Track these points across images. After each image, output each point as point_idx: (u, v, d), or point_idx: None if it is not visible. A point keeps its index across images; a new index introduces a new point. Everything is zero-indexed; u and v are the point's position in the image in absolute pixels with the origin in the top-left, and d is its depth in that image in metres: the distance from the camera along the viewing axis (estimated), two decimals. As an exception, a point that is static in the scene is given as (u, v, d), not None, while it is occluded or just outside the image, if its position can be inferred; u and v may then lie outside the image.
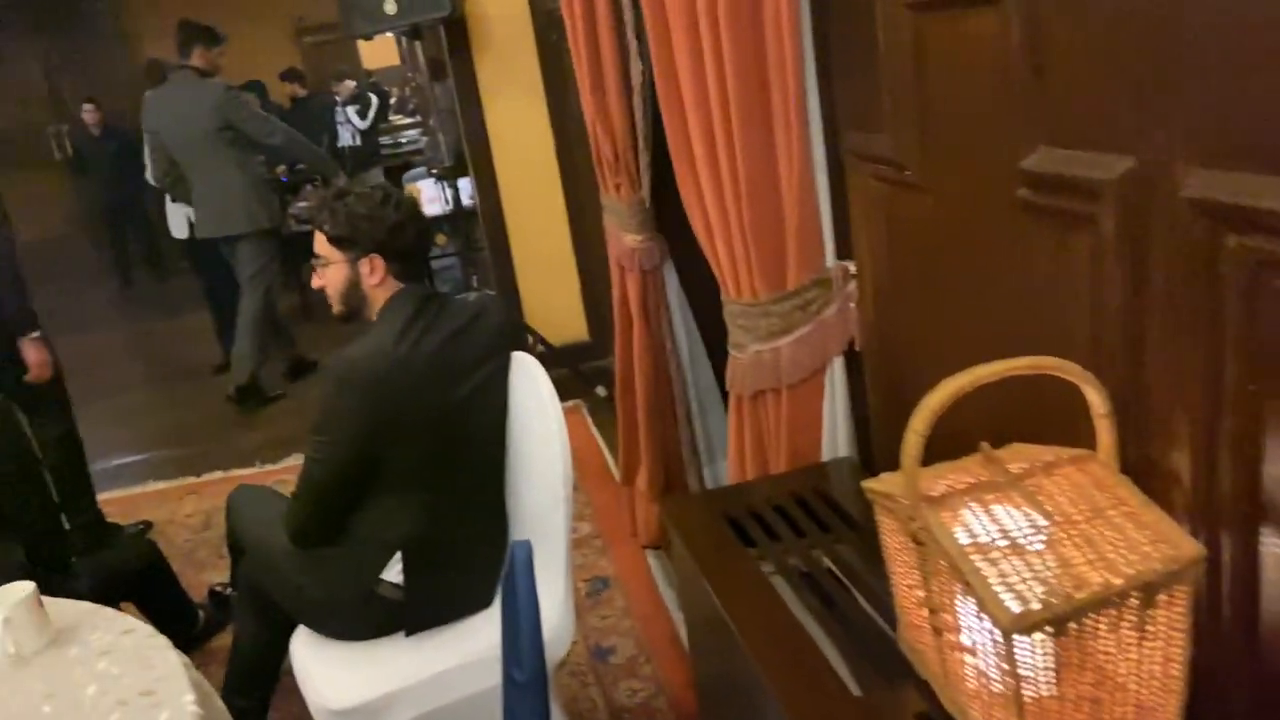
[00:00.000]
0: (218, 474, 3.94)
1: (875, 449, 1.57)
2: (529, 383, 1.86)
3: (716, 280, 1.74)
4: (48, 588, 1.96)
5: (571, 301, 4.11)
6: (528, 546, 1.25)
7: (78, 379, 5.81)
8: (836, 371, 1.56)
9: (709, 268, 1.75)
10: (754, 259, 1.54)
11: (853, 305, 1.52)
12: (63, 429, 3.09)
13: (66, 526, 2.23)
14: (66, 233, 8.99)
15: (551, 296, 4.09)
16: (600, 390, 3.98)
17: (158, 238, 8.58)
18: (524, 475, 1.85)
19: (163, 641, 1.34)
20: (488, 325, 1.88)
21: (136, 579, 2.27)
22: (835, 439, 1.58)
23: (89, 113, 8.10)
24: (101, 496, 3.84)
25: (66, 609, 1.46)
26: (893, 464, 0.95)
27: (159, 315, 7.52)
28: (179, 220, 4.98)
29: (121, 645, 1.34)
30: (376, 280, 1.81)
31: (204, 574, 3.08)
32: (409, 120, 8.75)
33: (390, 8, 3.22)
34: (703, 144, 1.59)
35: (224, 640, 2.61)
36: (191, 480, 3.93)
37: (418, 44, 3.56)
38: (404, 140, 8.21)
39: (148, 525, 3.48)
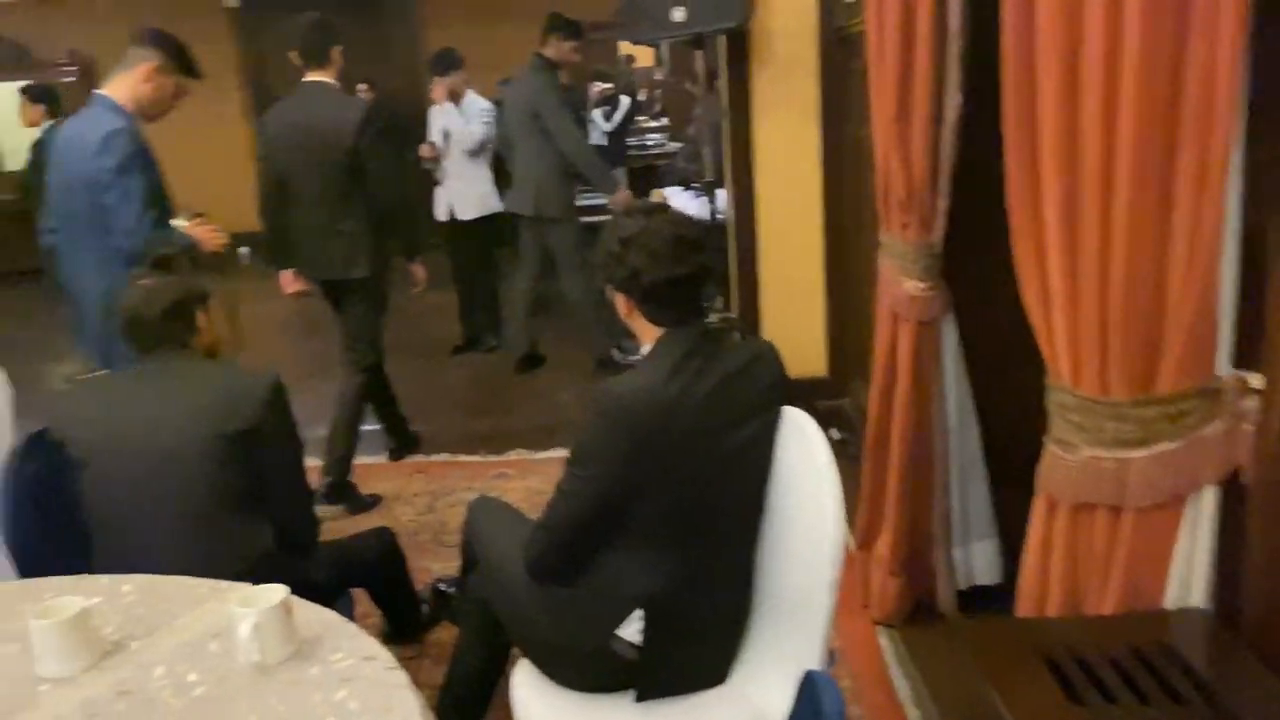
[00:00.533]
0: (444, 456, 4.02)
1: (1249, 606, 1.26)
2: (802, 444, 1.67)
3: (1004, 341, 1.49)
4: (289, 572, 2.00)
5: (813, 333, 3.89)
6: (837, 697, 1.05)
7: (318, 346, 6.22)
8: (1206, 503, 1.26)
9: (998, 326, 1.49)
10: (1114, 350, 1.27)
11: (1247, 426, 1.22)
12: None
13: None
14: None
15: (793, 325, 3.88)
16: (834, 433, 3.73)
17: (416, 211, 9.10)
18: (783, 547, 1.66)
19: (402, 679, 1.26)
20: (762, 374, 1.71)
21: (373, 568, 2.28)
22: (1188, 584, 1.28)
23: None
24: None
25: (311, 618, 1.41)
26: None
27: (402, 289, 7.91)
28: (442, 204, 5.21)
29: (362, 674, 1.27)
30: (632, 317, 1.69)
31: (424, 559, 3.11)
32: (655, 124, 8.78)
33: (678, 15, 3.12)
34: (1060, 206, 1.34)
35: (438, 635, 2.60)
36: (420, 459, 4.02)
37: (697, 53, 3.45)
38: (650, 143, 8.24)
39: (376, 499, 3.58)
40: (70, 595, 1.37)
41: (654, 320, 1.66)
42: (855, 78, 3.35)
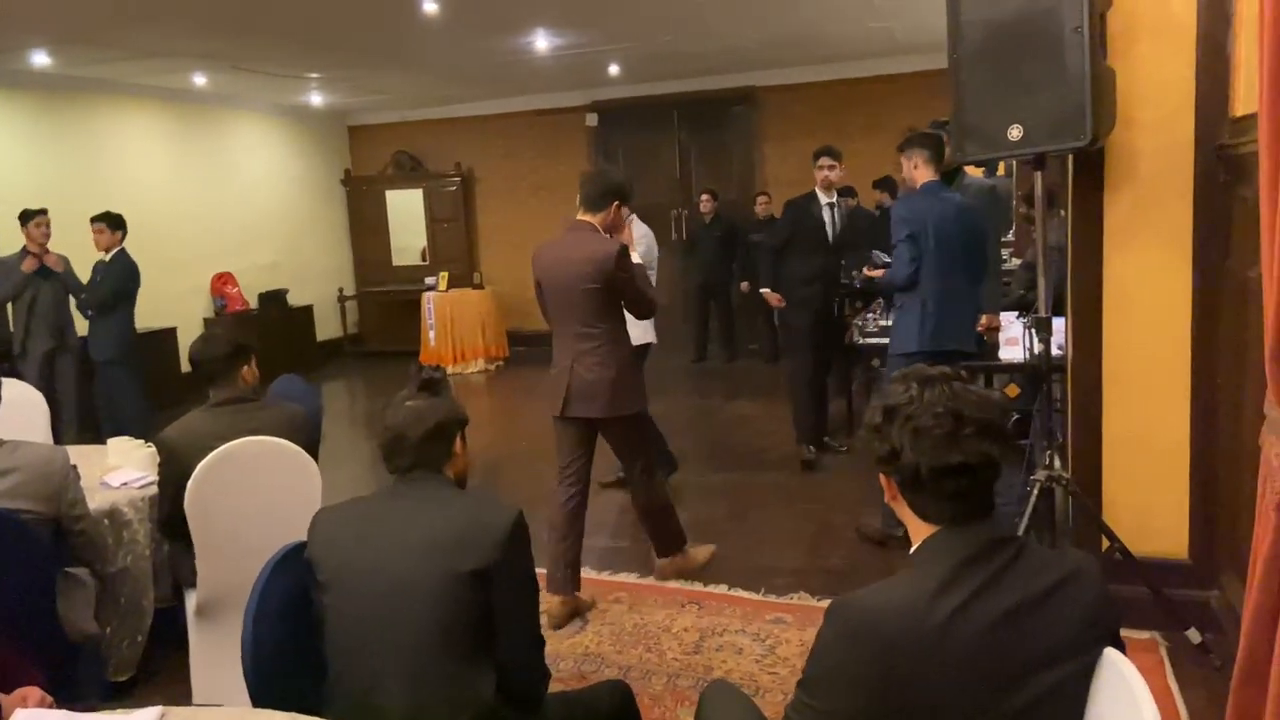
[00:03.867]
0: (722, 588, 3.78)
1: None
2: (1123, 701, 1.23)
3: None
4: (510, 731, 1.86)
5: (1173, 505, 3.18)
6: None
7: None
8: None
9: None
10: None
11: None
12: None
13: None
14: (667, 304, 10.03)
15: (1145, 492, 3.20)
16: (1193, 634, 2.99)
17: (734, 321, 9.19)
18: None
19: None
20: (1076, 601, 1.29)
21: (605, 724, 2.08)
22: None
23: (705, 201, 8.97)
24: (611, 577, 3.95)
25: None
26: None
27: (720, 395, 7.92)
28: None
29: None
30: (897, 503, 1.37)
31: (680, 709, 2.87)
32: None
33: (1015, 134, 2.75)
34: None
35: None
36: (698, 588, 3.81)
37: (1037, 173, 3.03)
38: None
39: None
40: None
41: (920, 514, 1.33)
42: (1241, 207, 2.75)
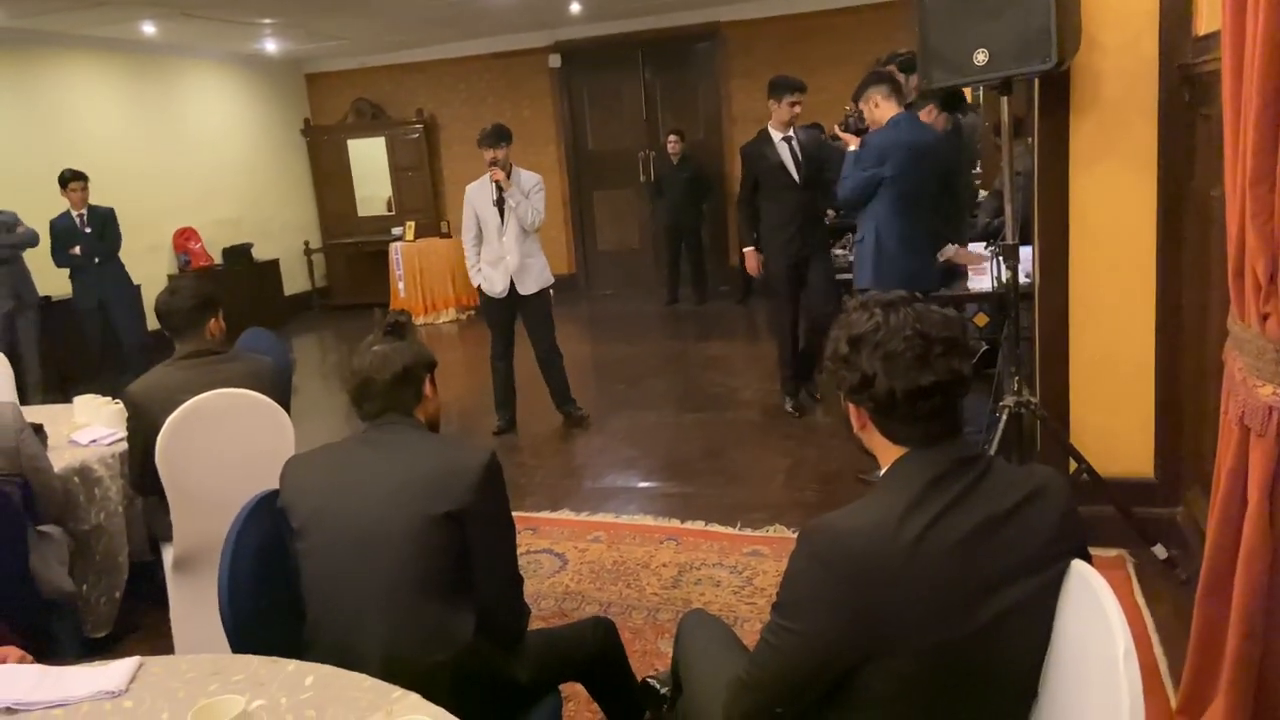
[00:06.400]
0: (699, 524, 3.82)
1: None
2: (1090, 611, 1.25)
3: None
4: (491, 666, 1.88)
5: (1138, 425, 3.24)
6: None
7: (606, 386, 6.32)
8: None
9: None
10: None
11: None
12: None
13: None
14: (637, 247, 10.01)
15: (1111, 414, 3.26)
16: (1159, 550, 3.07)
17: (705, 263, 9.16)
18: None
19: None
20: (1043, 516, 1.31)
21: (588, 664, 2.10)
22: None
23: (672, 143, 8.88)
24: (590, 518, 3.99)
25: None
26: None
27: (693, 337, 7.94)
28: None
29: None
30: (866, 432, 1.38)
31: (661, 641, 2.92)
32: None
33: (980, 58, 2.73)
34: None
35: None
36: (675, 524, 3.85)
37: (1003, 99, 3.01)
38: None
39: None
40: (238, 694, 1.31)
41: (892, 438, 1.34)
42: (1204, 126, 2.76)
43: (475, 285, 5.20)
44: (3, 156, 6.92)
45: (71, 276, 6.57)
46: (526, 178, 5.03)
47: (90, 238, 6.46)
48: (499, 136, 4.90)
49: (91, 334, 6.65)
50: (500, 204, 4.97)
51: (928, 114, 4.41)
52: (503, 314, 5.17)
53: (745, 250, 5.32)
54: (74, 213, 6.47)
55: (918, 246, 4.01)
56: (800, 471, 4.38)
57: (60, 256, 6.44)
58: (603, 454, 4.91)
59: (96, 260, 6.49)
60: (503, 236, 4.99)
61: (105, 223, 6.55)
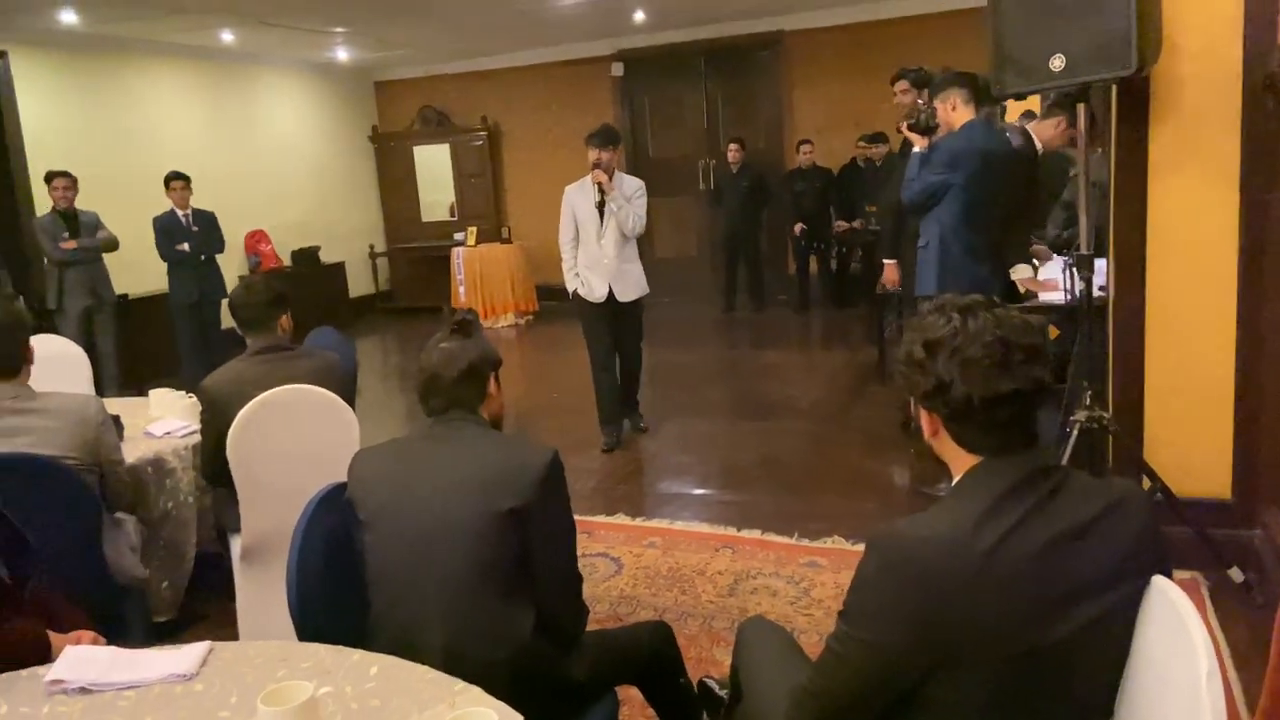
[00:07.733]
0: (755, 533, 3.79)
1: None
2: (1173, 630, 1.21)
3: None
4: (548, 666, 1.88)
5: (1215, 444, 3.13)
6: None
7: (662, 392, 6.30)
8: None
9: None
10: None
11: None
12: None
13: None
14: (695, 255, 10.00)
15: (1187, 432, 3.15)
16: (1235, 573, 2.96)
17: (762, 271, 9.12)
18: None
19: None
20: (1122, 530, 1.27)
21: (644, 667, 2.09)
22: None
23: (732, 151, 8.87)
24: (645, 523, 3.99)
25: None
26: None
27: (749, 345, 7.90)
28: None
29: None
30: (938, 439, 1.34)
31: (716, 649, 2.90)
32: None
33: (1057, 64, 2.67)
34: None
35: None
36: (731, 532, 3.83)
37: (1080, 106, 2.94)
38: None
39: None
40: (305, 680, 1.33)
41: (966, 445, 1.31)
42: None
43: (570, 290, 4.94)
44: (87, 158, 7.16)
45: (170, 272, 6.79)
46: (629, 182, 4.83)
47: (198, 235, 6.75)
48: (608, 138, 4.74)
49: (183, 330, 6.88)
50: (601, 207, 4.78)
51: (1055, 125, 4.09)
52: (601, 322, 4.93)
53: (888, 262, 4.92)
54: (179, 212, 6.74)
55: (985, 256, 3.93)
56: (859, 482, 4.32)
57: (168, 251, 6.68)
58: (658, 460, 4.90)
59: (203, 257, 6.79)
60: (601, 240, 4.80)
61: (210, 224, 6.89)
